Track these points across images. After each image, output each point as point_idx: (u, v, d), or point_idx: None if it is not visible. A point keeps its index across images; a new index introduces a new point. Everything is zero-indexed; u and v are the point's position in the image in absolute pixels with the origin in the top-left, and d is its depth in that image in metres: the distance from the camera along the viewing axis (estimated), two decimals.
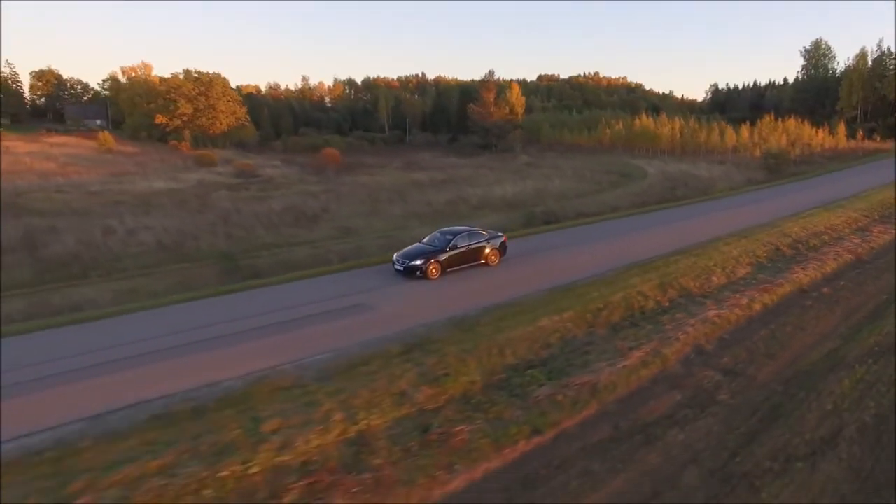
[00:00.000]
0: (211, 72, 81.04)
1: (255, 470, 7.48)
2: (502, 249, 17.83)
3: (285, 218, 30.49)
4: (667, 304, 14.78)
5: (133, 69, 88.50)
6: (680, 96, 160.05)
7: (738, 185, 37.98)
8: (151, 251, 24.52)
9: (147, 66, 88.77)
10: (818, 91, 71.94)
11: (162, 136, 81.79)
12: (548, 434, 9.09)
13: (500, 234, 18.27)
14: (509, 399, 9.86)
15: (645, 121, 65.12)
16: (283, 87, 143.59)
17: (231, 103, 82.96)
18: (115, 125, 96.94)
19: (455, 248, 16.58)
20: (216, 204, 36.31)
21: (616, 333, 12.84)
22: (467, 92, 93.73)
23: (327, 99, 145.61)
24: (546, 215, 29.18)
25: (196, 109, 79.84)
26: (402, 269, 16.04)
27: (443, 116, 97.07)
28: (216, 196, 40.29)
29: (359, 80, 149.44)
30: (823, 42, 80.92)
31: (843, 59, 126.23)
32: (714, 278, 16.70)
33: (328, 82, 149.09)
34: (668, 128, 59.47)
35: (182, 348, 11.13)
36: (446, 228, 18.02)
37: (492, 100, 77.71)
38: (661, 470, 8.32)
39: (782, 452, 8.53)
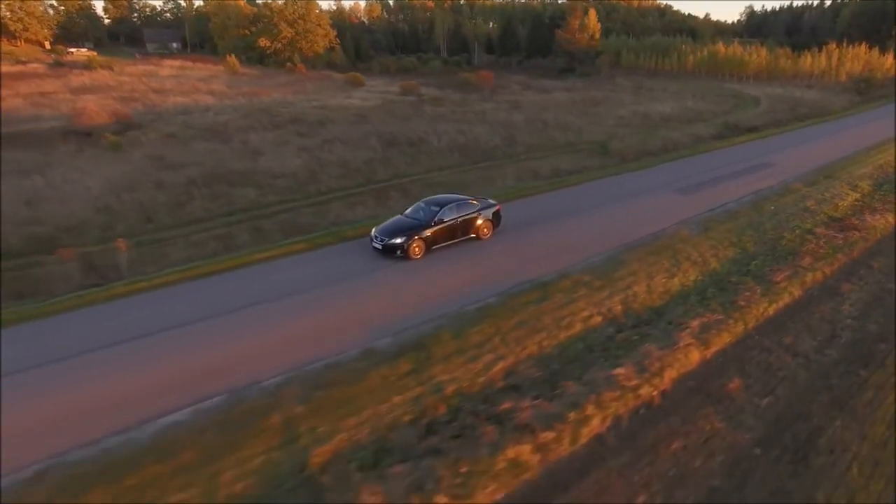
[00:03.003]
0: None
1: (826, 219, 21.32)
2: (496, 220, 17.26)
3: (548, 125, 43.00)
4: None
5: None
6: (704, 16, 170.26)
7: (848, 106, 51.84)
8: (503, 146, 36.89)
9: None
10: (874, 15, 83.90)
11: (259, 59, 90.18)
12: None
13: (492, 202, 17.64)
14: (888, 195, 23.75)
15: (729, 49, 77.49)
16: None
17: (326, 27, 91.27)
18: (192, 48, 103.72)
19: (441, 221, 15.89)
20: (453, 117, 48.15)
21: None
22: (538, 16, 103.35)
23: (365, 20, 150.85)
24: (734, 128, 42.48)
25: (296, 33, 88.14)
26: (380, 247, 15.47)
27: (512, 40, 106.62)
28: (432, 111, 52.00)
29: (390, 1, 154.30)
30: None
31: None
32: None
33: (361, 3, 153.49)
34: (754, 55, 72.18)
35: (712, 181, 24.52)
36: (432, 198, 17.23)
37: (577, 25, 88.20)
38: None
39: None
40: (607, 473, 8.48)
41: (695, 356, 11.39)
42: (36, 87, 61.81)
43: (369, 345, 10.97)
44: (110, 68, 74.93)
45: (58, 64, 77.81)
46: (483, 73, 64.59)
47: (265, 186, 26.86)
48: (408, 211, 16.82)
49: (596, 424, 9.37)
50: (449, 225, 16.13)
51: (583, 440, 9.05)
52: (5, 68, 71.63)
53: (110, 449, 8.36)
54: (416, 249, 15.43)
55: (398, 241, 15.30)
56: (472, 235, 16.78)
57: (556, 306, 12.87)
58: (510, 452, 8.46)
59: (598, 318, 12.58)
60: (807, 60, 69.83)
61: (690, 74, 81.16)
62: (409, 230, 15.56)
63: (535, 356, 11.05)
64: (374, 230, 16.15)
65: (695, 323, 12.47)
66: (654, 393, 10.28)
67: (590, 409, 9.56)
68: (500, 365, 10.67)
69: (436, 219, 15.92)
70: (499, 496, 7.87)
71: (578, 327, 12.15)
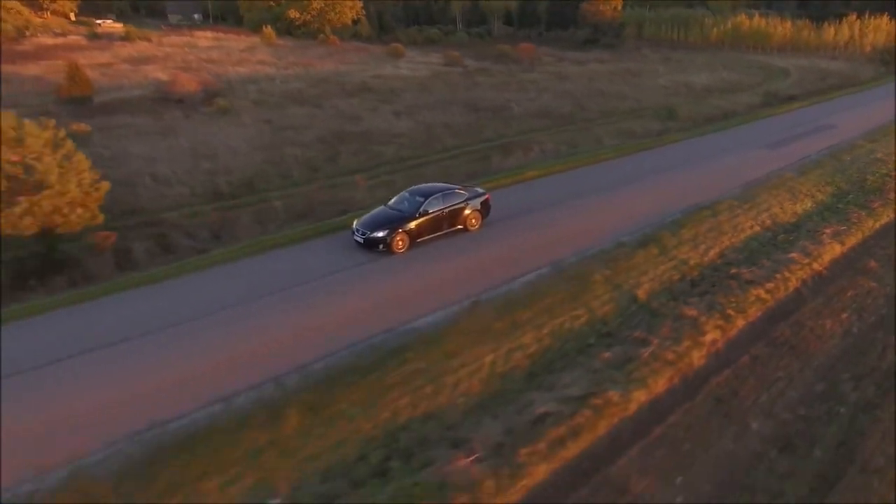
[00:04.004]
0: None
1: None
2: (484, 210, 17.05)
3: (605, 94, 47.71)
4: None
5: None
6: None
7: (876, 77, 57.05)
8: (576, 112, 41.48)
9: None
10: None
11: (288, 31, 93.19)
12: None
13: (480, 191, 17.39)
14: None
15: (750, 20, 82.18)
16: None
17: None
18: (215, 20, 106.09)
19: (426, 213, 15.68)
20: (508, 87, 52.60)
21: None
22: None
23: None
24: (776, 97, 47.48)
25: (325, 4, 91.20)
26: (361, 240, 15.38)
27: (532, 12, 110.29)
28: (486, 81, 56.35)
29: None
30: None
31: None
32: None
33: None
34: (779, 27, 77.00)
35: (786, 140, 29.50)
36: (416, 187, 17.01)
37: None
38: None
39: None
40: (815, 305, 13.68)
41: (837, 248, 16.59)
42: (92, 59, 64.69)
43: (619, 240, 15.99)
44: (148, 40, 77.78)
45: (94, 36, 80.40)
46: (524, 46, 68.78)
47: (393, 144, 31.40)
48: (391, 202, 16.56)
49: (793, 283, 14.53)
50: (434, 216, 15.87)
51: (790, 290, 14.22)
52: (49, 40, 74.40)
53: (509, 291, 13.30)
54: (400, 243, 15.23)
55: (380, 234, 15.12)
56: (459, 227, 16.52)
57: (725, 220, 17.95)
58: (753, 293, 13.60)
59: (758, 227, 17.69)
60: (829, 32, 74.77)
61: (713, 46, 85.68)
62: (392, 223, 15.36)
63: (730, 247, 16.16)
64: (355, 222, 15.96)
65: (828, 230, 17.65)
66: (821, 268, 15.45)
67: (786, 274, 14.71)
68: (712, 251, 15.77)
69: (420, 210, 15.66)
70: (759, 313, 12.98)
71: (748, 232, 17.27)
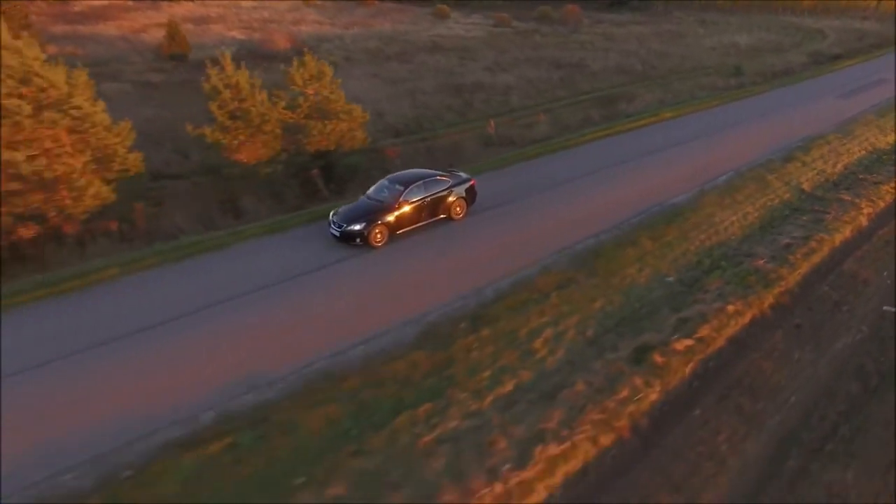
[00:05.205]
0: None
1: None
2: (470, 197, 16.97)
3: (664, 54, 53.30)
4: None
5: None
6: None
7: None
8: (646, 69, 47.16)
9: None
10: None
11: None
12: None
13: (464, 176, 17.23)
14: None
15: None
16: None
17: None
18: None
19: (407, 202, 15.57)
20: (568, 47, 57.94)
21: None
22: None
23: None
24: (821, 55, 53.38)
25: None
26: (338, 234, 15.20)
27: None
28: (543, 41, 61.57)
29: None
30: None
31: None
32: None
33: None
34: None
35: (853, 91, 35.57)
36: (396, 175, 16.73)
37: None
38: None
39: None
40: None
41: None
42: (151, 19, 68.67)
43: (768, 157, 22.13)
44: (192, 0, 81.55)
45: None
46: (569, 7, 73.69)
47: (511, 94, 36.86)
48: (370, 191, 16.35)
49: None
50: (416, 206, 15.75)
51: None
52: (96, 1, 77.92)
53: (716, 185, 19.39)
54: (378, 236, 15.10)
55: (357, 227, 14.95)
56: (442, 216, 16.47)
57: (838, 146, 24.17)
58: (882, 188, 19.90)
59: (863, 152, 23.94)
60: None
61: (742, 8, 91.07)
62: (370, 214, 15.19)
63: (849, 163, 22.43)
64: (331, 214, 15.79)
65: None
66: None
67: None
68: (839, 165, 22.03)
69: (401, 199, 15.54)
70: (892, 199, 19.23)
71: (858, 154, 23.53)
